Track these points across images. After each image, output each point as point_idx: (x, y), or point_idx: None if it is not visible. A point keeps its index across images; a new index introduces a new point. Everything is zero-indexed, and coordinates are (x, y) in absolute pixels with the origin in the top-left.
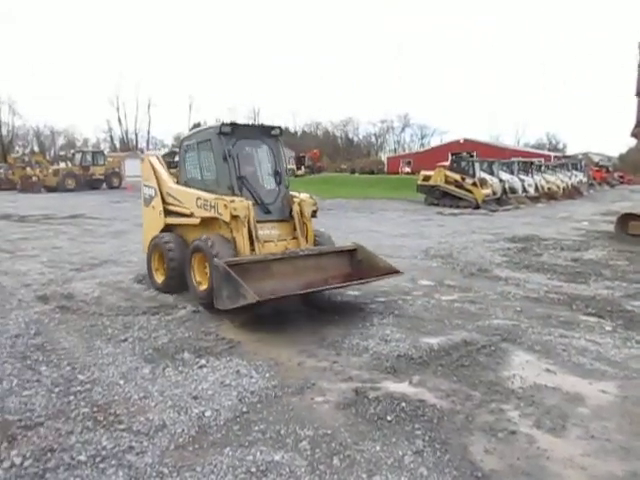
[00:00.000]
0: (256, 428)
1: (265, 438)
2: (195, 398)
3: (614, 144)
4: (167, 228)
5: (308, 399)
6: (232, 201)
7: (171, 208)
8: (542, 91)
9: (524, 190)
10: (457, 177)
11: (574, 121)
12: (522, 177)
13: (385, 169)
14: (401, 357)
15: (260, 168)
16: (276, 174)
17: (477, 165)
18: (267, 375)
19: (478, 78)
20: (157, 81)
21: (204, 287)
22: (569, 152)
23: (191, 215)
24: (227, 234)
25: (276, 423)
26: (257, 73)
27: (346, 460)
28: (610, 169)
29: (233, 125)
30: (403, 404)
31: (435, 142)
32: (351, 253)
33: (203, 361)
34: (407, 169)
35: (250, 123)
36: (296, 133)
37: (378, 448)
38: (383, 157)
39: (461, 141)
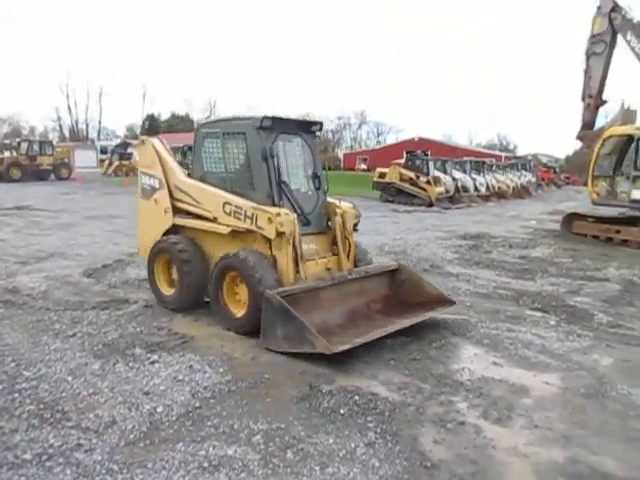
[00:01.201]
0: (209, 423)
1: (218, 433)
2: (147, 394)
3: (561, 146)
4: (173, 229)
5: (262, 393)
6: (278, 214)
7: (181, 206)
8: (494, 93)
9: (476, 189)
10: (412, 175)
11: (524, 123)
12: (474, 176)
13: (341, 165)
14: (352, 351)
15: (298, 170)
16: (315, 177)
17: (431, 164)
18: (221, 370)
19: (433, 78)
20: (109, 69)
21: (241, 313)
22: (519, 153)
23: (214, 220)
24: (264, 250)
25: (229, 418)
26: (214, 65)
27: (299, 453)
28: (557, 170)
29: (275, 119)
30: (356, 397)
31: (391, 140)
32: (392, 273)
33: (155, 356)
34: (363, 166)
35: (290, 117)
36: None
37: (331, 441)
38: (340, 153)
39: (416, 139)
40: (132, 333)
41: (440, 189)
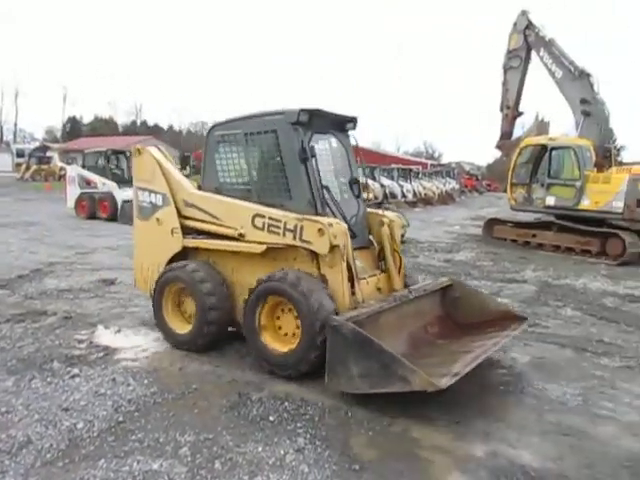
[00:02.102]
0: (133, 437)
1: (142, 447)
2: (66, 410)
3: (483, 155)
4: (182, 252)
5: (190, 404)
6: (330, 224)
7: (192, 225)
8: (421, 101)
9: (403, 195)
10: None
11: (449, 132)
12: (401, 183)
13: None
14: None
15: (334, 175)
16: (354, 183)
17: (360, 170)
18: (146, 382)
19: (361, 86)
20: (26, 69)
21: (287, 348)
22: (444, 161)
23: (240, 238)
24: (309, 269)
25: (155, 431)
26: (139, 67)
27: (228, 463)
28: (479, 177)
29: (313, 113)
30: (286, 404)
31: None
32: (444, 290)
33: (75, 370)
34: None
35: (326, 110)
36: (181, 132)
37: (260, 449)
38: None
39: None
40: (50, 346)
41: (369, 195)
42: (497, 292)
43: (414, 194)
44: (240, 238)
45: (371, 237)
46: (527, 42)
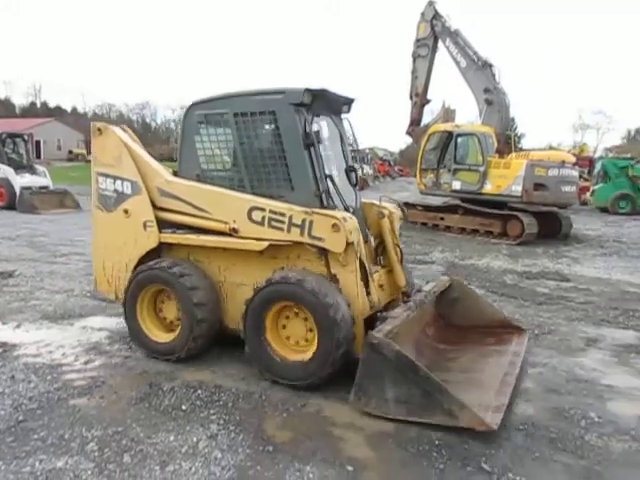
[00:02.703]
0: (35, 436)
1: (46, 446)
2: None
3: (396, 141)
4: (155, 250)
5: (97, 398)
6: (344, 219)
7: (170, 217)
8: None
9: None
10: None
11: (363, 118)
12: None
13: None
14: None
15: (333, 162)
16: (350, 171)
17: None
18: (49, 377)
19: (272, 70)
20: None
21: (301, 357)
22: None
23: (232, 233)
24: (316, 269)
25: (59, 428)
26: (39, 45)
27: (138, 455)
28: (392, 163)
29: (319, 93)
30: (199, 392)
31: None
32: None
33: None
34: None
35: (332, 91)
36: (86, 114)
37: (172, 438)
38: None
39: None
40: None
41: None
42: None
43: None
44: (233, 234)
45: (367, 232)
46: (434, 31)
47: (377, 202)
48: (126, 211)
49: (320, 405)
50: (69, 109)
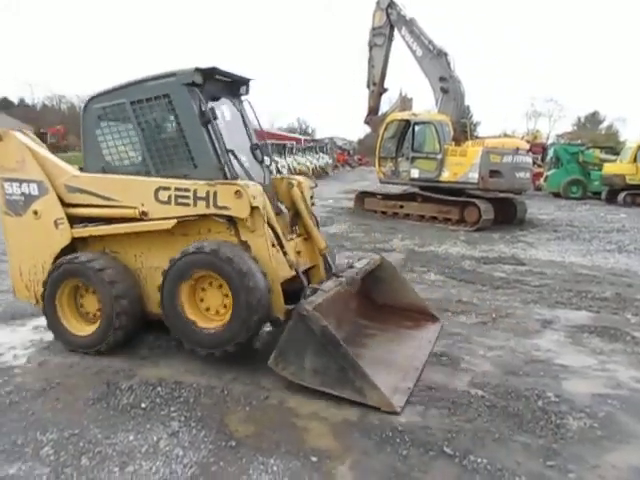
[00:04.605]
0: None
1: None
2: None
3: (355, 130)
4: (70, 247)
5: (52, 400)
6: (246, 185)
7: (81, 212)
8: (296, 78)
9: (278, 171)
10: None
11: (321, 108)
12: (276, 159)
13: None
14: (155, 342)
15: (237, 142)
16: (255, 149)
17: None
18: (0, 381)
19: (237, 59)
20: None
21: (212, 326)
22: (317, 136)
23: (142, 218)
24: (228, 239)
25: (11, 433)
26: None
27: (96, 457)
28: (351, 152)
29: (209, 72)
30: (159, 389)
31: None
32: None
33: None
34: None
35: (223, 69)
36: (34, 106)
37: (132, 438)
38: None
39: None
40: None
41: None
42: None
43: (289, 169)
44: (143, 217)
45: (280, 204)
46: (390, 20)
47: (287, 175)
48: (35, 212)
49: (283, 397)
50: (16, 101)
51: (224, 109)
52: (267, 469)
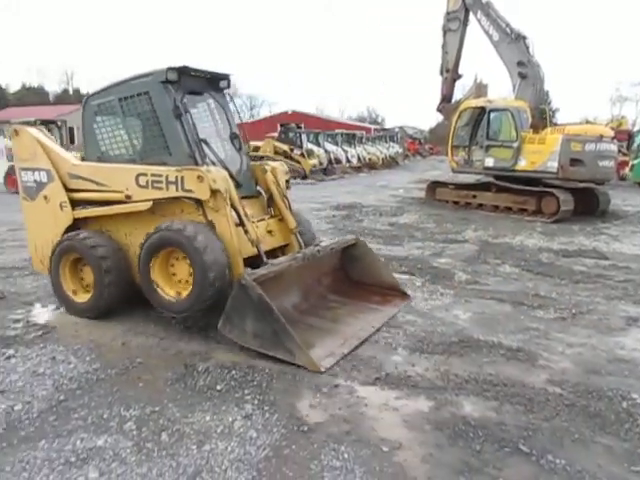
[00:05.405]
0: (75, 416)
1: (86, 424)
2: (1, 392)
3: (426, 118)
4: (74, 226)
5: (134, 378)
6: (208, 170)
7: (81, 196)
8: (364, 67)
9: (348, 160)
10: (285, 148)
11: (392, 96)
12: (346, 148)
13: None
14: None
15: (214, 136)
16: (234, 138)
17: (304, 136)
18: (88, 359)
19: (303, 51)
20: None
21: (176, 294)
22: (387, 125)
23: (128, 200)
24: (196, 219)
25: (98, 407)
26: (70, 33)
27: (175, 434)
28: (422, 141)
29: (181, 70)
30: (233, 372)
31: (264, 113)
32: (347, 246)
33: (11, 351)
34: None
35: (199, 68)
36: None
37: (208, 418)
38: None
39: (289, 112)
40: None
41: (314, 161)
42: (440, 252)
43: (358, 159)
44: (128, 200)
45: (259, 188)
46: (465, 3)
47: (263, 162)
48: (45, 197)
49: (352, 387)
50: None
51: (209, 103)
52: (338, 456)
